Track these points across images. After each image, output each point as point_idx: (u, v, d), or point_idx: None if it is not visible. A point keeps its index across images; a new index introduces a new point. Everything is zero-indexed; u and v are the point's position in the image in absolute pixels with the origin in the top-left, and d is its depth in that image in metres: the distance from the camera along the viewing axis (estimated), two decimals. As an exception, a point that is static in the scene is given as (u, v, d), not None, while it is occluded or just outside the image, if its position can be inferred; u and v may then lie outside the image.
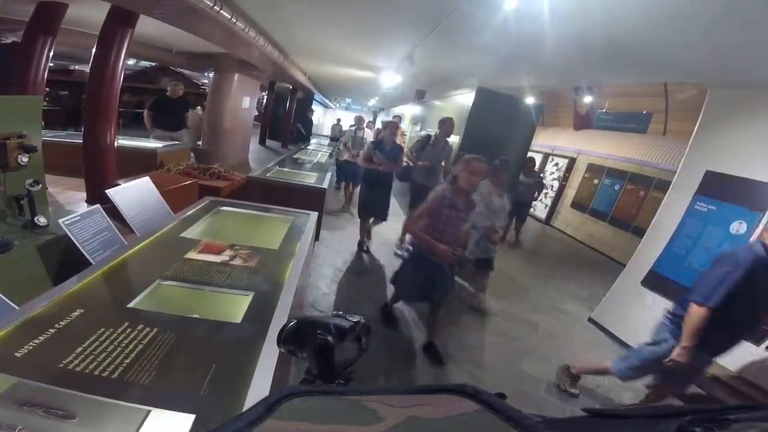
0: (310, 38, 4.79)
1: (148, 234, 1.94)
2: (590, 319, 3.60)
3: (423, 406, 0.30)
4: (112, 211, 2.08)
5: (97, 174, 3.42)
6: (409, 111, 8.01)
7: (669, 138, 5.85)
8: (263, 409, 0.28)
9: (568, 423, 0.44)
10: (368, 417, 0.28)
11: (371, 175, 4.05)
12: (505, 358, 2.74)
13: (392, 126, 4.18)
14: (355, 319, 0.64)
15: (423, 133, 3.70)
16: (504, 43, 3.11)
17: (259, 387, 0.99)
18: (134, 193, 2.31)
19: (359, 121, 5.81)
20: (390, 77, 5.78)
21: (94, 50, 3.27)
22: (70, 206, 3.60)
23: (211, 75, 7.34)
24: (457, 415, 0.29)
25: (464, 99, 4.42)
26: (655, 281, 3.11)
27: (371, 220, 4.31)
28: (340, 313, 0.66)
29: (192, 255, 1.75)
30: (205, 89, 10.17)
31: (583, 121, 7.64)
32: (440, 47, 3.76)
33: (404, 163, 4.26)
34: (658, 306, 3.03)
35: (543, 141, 8.21)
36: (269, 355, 1.11)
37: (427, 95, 7.15)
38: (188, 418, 0.88)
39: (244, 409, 0.91)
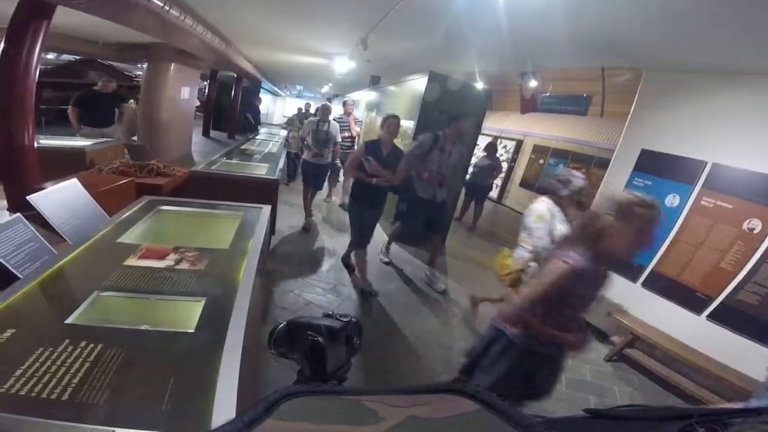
0: (254, 25, 4.51)
1: (80, 241, 1.74)
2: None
3: (423, 406, 0.30)
4: (39, 219, 1.83)
5: (17, 178, 2.99)
6: (364, 96, 7.90)
7: (607, 119, 6.30)
8: (263, 409, 0.28)
9: (569, 423, 0.42)
10: (368, 417, 0.28)
11: (366, 191, 3.14)
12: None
13: (391, 124, 3.19)
14: (346, 318, 0.65)
15: (424, 135, 3.44)
16: (454, 29, 3.12)
17: (225, 397, 0.93)
18: (61, 198, 2.06)
19: (324, 111, 4.76)
20: (343, 63, 5.63)
21: (1, 44, 2.83)
22: (-16, 215, 3.13)
23: (145, 66, 6.77)
24: (457, 415, 0.28)
25: (418, 84, 4.39)
26: (599, 254, 3.33)
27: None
28: (331, 313, 0.66)
29: (132, 261, 1.59)
30: (138, 81, 9.30)
31: (529, 105, 8.01)
32: (393, 32, 3.69)
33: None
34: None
35: (492, 125, 8.55)
36: (230, 362, 1.04)
37: (382, 80, 7.07)
38: (157, 436, 0.80)
39: (213, 421, 0.83)
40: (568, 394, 2.45)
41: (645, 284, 2.99)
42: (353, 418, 0.28)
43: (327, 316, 0.65)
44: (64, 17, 3.17)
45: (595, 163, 6.18)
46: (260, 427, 0.26)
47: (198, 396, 0.94)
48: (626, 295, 3.04)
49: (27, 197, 1.91)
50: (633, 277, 3.05)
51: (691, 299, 2.72)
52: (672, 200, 2.88)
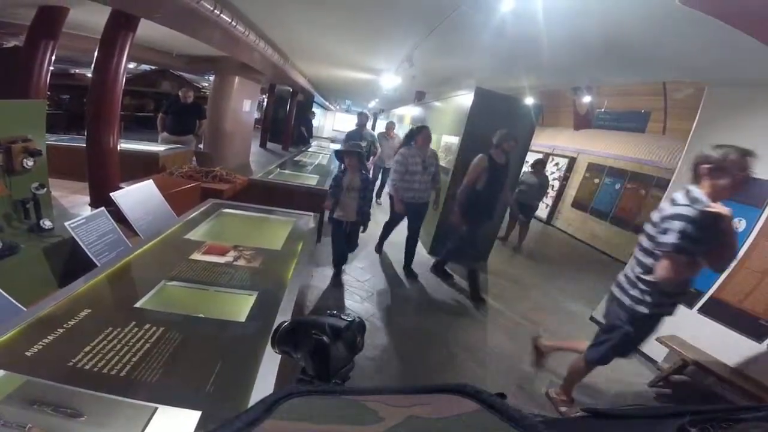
0: (309, 40, 4.80)
1: (152, 236, 1.96)
2: (592, 318, 3.60)
3: (423, 406, 0.30)
4: (116, 214, 2.10)
5: (101, 177, 3.43)
6: (409, 112, 8.02)
7: (668, 136, 5.86)
8: (262, 409, 0.28)
9: (569, 423, 0.44)
10: (368, 417, 0.28)
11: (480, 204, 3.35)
12: (508, 357, 2.75)
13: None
14: (350, 318, 0.64)
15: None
16: (502, 44, 3.14)
17: (263, 384, 1.00)
18: (138, 196, 2.33)
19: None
20: (389, 79, 5.78)
21: (96, 54, 3.29)
22: (74, 210, 3.62)
23: (212, 78, 7.31)
24: (458, 415, 0.28)
25: (464, 100, 4.42)
26: (655, 279, 3.11)
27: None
28: (335, 312, 0.66)
29: (196, 256, 1.77)
30: (205, 92, 10.13)
31: (583, 121, 7.65)
32: (439, 48, 3.77)
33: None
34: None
35: (543, 141, 8.22)
36: (272, 352, 1.12)
37: (427, 96, 7.16)
38: (194, 415, 0.89)
39: (249, 404, 0.90)
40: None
41: (702, 311, 2.75)
42: (353, 418, 0.28)
43: (331, 315, 0.64)
44: (145, 30, 3.58)
45: (655, 184, 5.74)
46: (260, 428, 0.26)
47: (239, 381, 1.01)
48: (679, 322, 2.80)
49: (111, 194, 2.19)
50: (689, 302, 2.81)
51: (753, 327, 2.48)
52: (737, 224, 2.64)
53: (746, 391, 2.27)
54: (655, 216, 1.76)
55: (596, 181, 6.97)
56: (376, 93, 9.32)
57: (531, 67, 3.95)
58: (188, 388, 0.97)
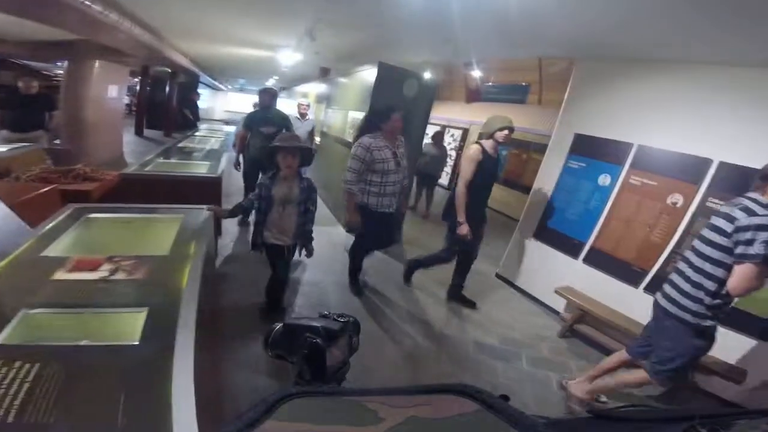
0: (188, 17, 4.20)
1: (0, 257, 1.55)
2: (497, 275, 3.99)
3: (423, 407, 0.30)
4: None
5: None
6: (313, 89, 7.67)
7: (544, 107, 6.69)
8: (263, 410, 0.28)
9: (571, 424, 0.43)
10: (368, 417, 0.28)
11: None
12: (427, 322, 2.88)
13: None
14: (344, 319, 0.64)
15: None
16: (401, 18, 3.10)
17: (182, 406, 0.89)
18: None
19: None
20: (289, 56, 5.41)
21: None
22: None
23: (65, 64, 6.13)
24: (458, 415, 0.29)
25: (368, 75, 4.35)
26: (544, 234, 3.56)
27: None
28: (327, 313, 0.65)
29: (61, 275, 1.46)
30: (58, 81, 8.36)
31: (474, 95, 8.30)
32: (341, 23, 3.61)
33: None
34: (546, 256, 3.45)
35: (439, 114, 8.78)
36: (184, 371, 1.00)
37: (332, 73, 6.91)
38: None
39: (174, 427, 0.80)
40: (528, 371, 2.57)
41: (586, 260, 3.22)
42: (354, 418, 0.29)
43: (323, 316, 0.64)
44: None
45: (533, 149, 6.59)
46: (260, 428, 0.26)
47: (153, 406, 0.90)
48: (570, 272, 3.27)
49: None
50: (575, 253, 3.28)
51: (628, 273, 2.95)
52: (604, 180, 3.13)
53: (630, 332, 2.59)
54: (725, 226, 1.68)
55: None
56: (276, 71, 8.70)
57: (428, 42, 4.02)
58: (97, 427, 0.85)
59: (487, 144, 2.89)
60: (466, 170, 2.82)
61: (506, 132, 2.83)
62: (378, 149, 2.73)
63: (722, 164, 2.51)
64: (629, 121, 2.98)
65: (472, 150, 2.85)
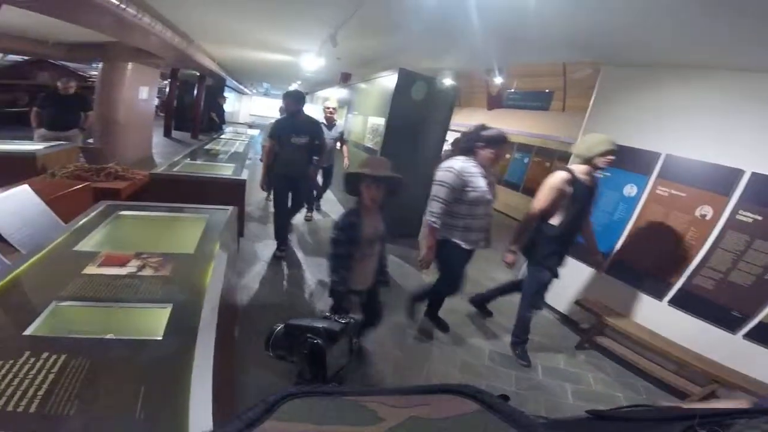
0: (216, 21, 4.36)
1: (35, 251, 1.64)
2: (516, 283, 3.91)
3: (423, 407, 0.30)
4: (-13, 229, 1.70)
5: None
6: (334, 94, 7.81)
7: (568, 113, 6.56)
8: (263, 409, 0.28)
9: (572, 424, 0.43)
10: (368, 418, 0.28)
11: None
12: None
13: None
14: (345, 319, 0.64)
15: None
16: (422, 25, 3.13)
17: (199, 401, 0.92)
18: (11, 205, 1.94)
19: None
20: (311, 61, 5.50)
21: None
22: None
23: (100, 66, 6.48)
24: (458, 416, 0.28)
25: (388, 81, 4.39)
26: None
27: None
28: (328, 314, 0.66)
29: (91, 270, 1.52)
30: (93, 82, 8.82)
31: (495, 101, 8.22)
32: (363, 29, 3.67)
33: None
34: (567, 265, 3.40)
35: (460, 120, 8.71)
36: (203, 367, 1.03)
37: (353, 78, 7.02)
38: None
39: (189, 424, 0.83)
40: (544, 381, 2.52)
41: (610, 272, 3.13)
42: (353, 418, 0.28)
43: (325, 317, 0.64)
44: (10, 17, 2.95)
45: (558, 157, 6.44)
46: (260, 428, 0.26)
47: (172, 402, 0.92)
48: (591, 283, 3.18)
49: (-31, 206, 1.76)
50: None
51: (652, 285, 2.85)
52: (630, 190, 3.03)
53: (656, 348, 2.58)
54: None
55: (507, 156, 7.72)
56: (299, 75, 8.90)
57: (449, 48, 4.03)
58: (115, 418, 0.87)
59: (579, 169, 2.37)
60: (543, 198, 2.40)
61: (610, 158, 2.30)
62: (471, 175, 2.32)
63: (755, 175, 2.40)
64: (657, 129, 2.89)
65: (556, 179, 2.37)
